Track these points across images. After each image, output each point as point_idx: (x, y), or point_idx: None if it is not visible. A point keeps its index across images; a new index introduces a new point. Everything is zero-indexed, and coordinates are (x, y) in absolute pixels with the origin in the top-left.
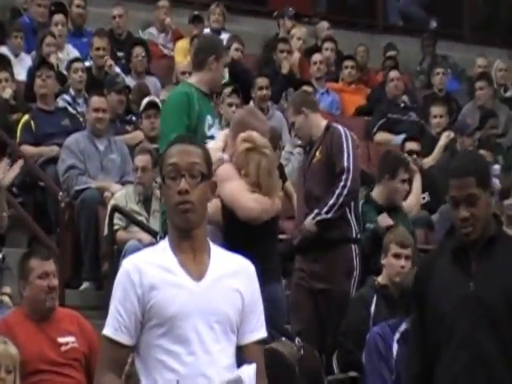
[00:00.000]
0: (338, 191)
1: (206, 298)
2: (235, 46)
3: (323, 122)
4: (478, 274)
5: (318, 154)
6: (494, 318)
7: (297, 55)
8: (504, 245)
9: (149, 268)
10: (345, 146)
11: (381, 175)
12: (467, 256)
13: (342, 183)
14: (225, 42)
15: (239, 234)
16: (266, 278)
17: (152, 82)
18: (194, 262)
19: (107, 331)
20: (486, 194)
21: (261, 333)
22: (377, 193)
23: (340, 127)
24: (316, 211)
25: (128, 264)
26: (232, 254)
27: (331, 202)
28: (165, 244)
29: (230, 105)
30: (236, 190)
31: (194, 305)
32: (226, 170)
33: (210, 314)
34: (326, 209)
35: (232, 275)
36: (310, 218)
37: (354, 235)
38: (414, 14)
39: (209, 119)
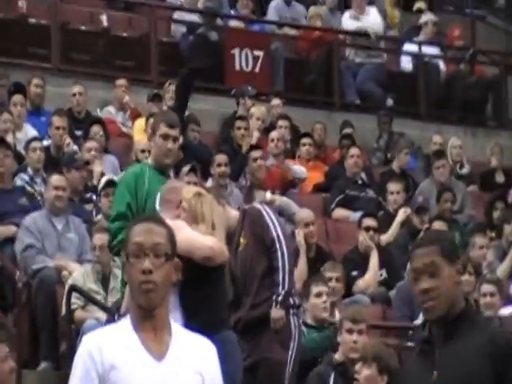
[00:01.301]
0: (280, 263)
1: (167, 378)
2: (191, 126)
3: (236, 212)
4: (440, 361)
5: (242, 240)
6: None
7: (256, 135)
8: (469, 326)
9: (109, 346)
10: (266, 217)
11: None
12: (432, 344)
13: (278, 253)
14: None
15: (194, 285)
16: (221, 325)
17: (110, 160)
18: (155, 341)
19: None
20: (451, 266)
21: None
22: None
23: (255, 204)
24: (274, 298)
25: (89, 341)
26: (193, 334)
27: (280, 277)
28: (126, 322)
29: (188, 183)
30: (191, 235)
31: None
32: (177, 222)
33: None
34: (280, 288)
35: (193, 355)
36: (273, 308)
37: (291, 303)
38: (371, 92)
39: None
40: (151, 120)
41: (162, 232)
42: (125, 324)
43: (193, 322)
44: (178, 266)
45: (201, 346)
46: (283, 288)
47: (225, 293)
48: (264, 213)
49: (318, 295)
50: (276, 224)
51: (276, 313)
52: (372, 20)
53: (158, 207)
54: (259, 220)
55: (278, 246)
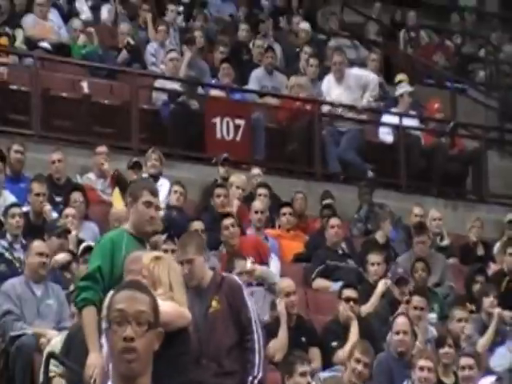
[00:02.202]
0: (256, 346)
1: None
2: (175, 188)
3: (210, 272)
4: None
5: (214, 303)
6: None
7: (236, 203)
8: None
9: None
10: (246, 296)
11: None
12: None
13: (255, 335)
14: (165, 188)
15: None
16: None
17: (90, 227)
18: None
19: None
20: None
21: None
22: None
23: (235, 277)
24: (250, 379)
25: None
26: None
27: (257, 360)
28: None
29: (166, 251)
30: None
31: None
32: None
33: None
34: (256, 370)
35: None
36: None
37: (259, 375)
38: (351, 162)
39: None
40: (134, 187)
41: (145, 300)
42: None
43: None
44: (161, 335)
45: None
46: (258, 372)
47: (188, 354)
48: (243, 289)
49: (303, 375)
50: (253, 306)
51: None
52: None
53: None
54: (239, 295)
55: (254, 328)
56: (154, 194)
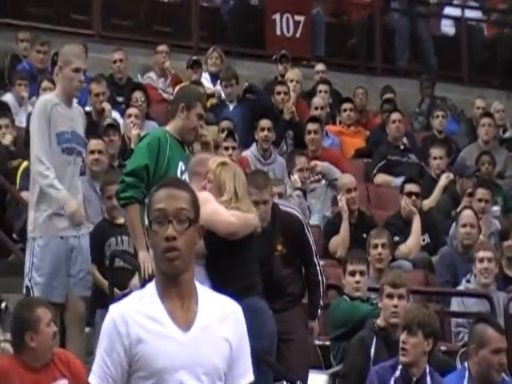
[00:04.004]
0: (320, 278)
1: (194, 349)
2: (224, 82)
3: None
4: None
5: (279, 247)
6: None
7: (293, 95)
8: None
9: (135, 318)
10: (306, 230)
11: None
12: None
13: (318, 268)
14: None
15: (221, 256)
16: (249, 291)
17: (152, 126)
18: (182, 310)
19: (93, 381)
20: None
21: (248, 377)
22: None
23: (294, 213)
24: (317, 314)
25: (114, 313)
26: (220, 296)
27: (321, 292)
28: (152, 290)
29: (226, 148)
30: (216, 208)
31: (182, 357)
32: (204, 194)
33: (198, 366)
34: (321, 301)
35: (220, 321)
36: (315, 323)
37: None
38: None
39: (181, 165)
40: (190, 94)
41: (184, 197)
42: (150, 292)
43: (222, 292)
44: (202, 230)
45: (228, 311)
46: (322, 301)
47: (252, 260)
48: (304, 225)
49: (352, 273)
50: (311, 238)
51: (316, 326)
52: None
53: (187, 179)
54: (302, 234)
55: (316, 261)
56: (205, 107)
